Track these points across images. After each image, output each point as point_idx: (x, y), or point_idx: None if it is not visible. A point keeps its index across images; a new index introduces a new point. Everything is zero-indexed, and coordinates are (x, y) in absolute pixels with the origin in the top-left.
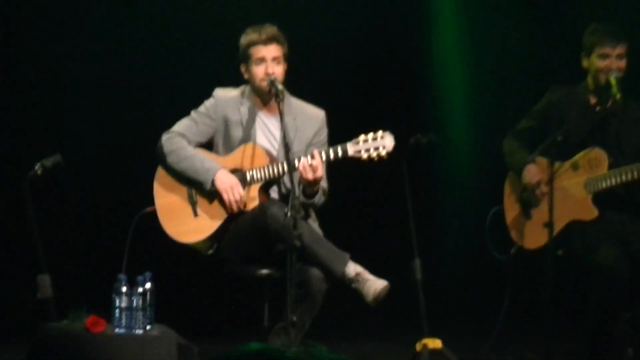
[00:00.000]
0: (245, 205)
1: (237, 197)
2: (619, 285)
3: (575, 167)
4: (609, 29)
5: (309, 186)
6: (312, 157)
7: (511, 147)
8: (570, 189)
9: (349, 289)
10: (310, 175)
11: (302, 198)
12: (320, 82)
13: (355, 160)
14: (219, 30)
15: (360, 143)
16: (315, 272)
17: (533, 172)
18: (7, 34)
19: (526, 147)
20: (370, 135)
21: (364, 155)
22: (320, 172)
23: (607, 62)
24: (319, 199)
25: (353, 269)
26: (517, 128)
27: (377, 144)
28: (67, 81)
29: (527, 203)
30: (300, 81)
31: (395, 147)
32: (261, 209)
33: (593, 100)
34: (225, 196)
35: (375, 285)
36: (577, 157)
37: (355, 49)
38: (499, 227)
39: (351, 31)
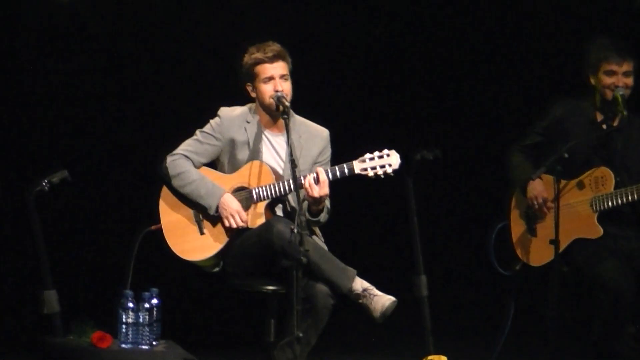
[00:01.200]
0: (251, 222)
1: (240, 224)
2: (622, 300)
3: (581, 185)
4: (616, 45)
5: (315, 204)
6: (317, 175)
7: (516, 162)
8: (575, 207)
9: (355, 305)
10: (316, 193)
11: (307, 216)
12: (324, 100)
13: (362, 178)
14: (223, 48)
15: (367, 161)
16: (322, 288)
17: (538, 189)
18: (11, 49)
19: (531, 162)
20: (377, 153)
21: (371, 173)
22: (326, 189)
23: (613, 79)
24: (324, 218)
25: (360, 284)
26: (522, 143)
27: (384, 161)
28: (74, 97)
29: (532, 219)
30: (305, 99)
31: (401, 164)
32: (267, 225)
33: (599, 117)
34: (226, 223)
35: (382, 300)
36: (583, 175)
37: (359, 66)
38: (503, 243)
39: (355, 48)
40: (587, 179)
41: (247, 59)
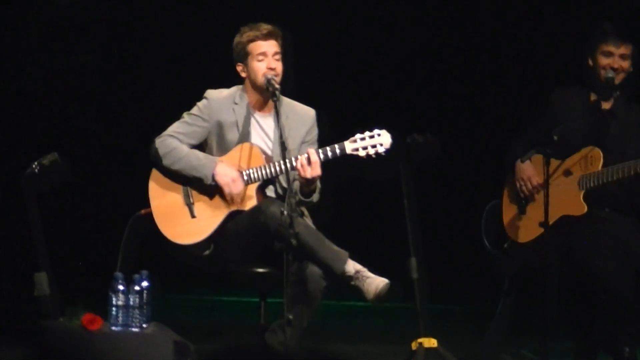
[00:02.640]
0: (243, 205)
1: (238, 190)
2: (622, 300)
3: (571, 165)
4: (616, 27)
5: (307, 185)
6: (309, 155)
7: (514, 145)
8: (563, 185)
9: (348, 287)
10: (308, 174)
11: (299, 197)
12: (317, 81)
13: (353, 158)
14: (212, 34)
15: (358, 141)
16: (314, 270)
17: (526, 171)
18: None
19: (529, 146)
20: (367, 133)
21: (362, 153)
22: (318, 170)
23: (609, 60)
24: (317, 198)
25: (352, 266)
26: (526, 129)
27: (375, 141)
28: (65, 83)
29: (523, 199)
30: (296, 81)
31: (392, 146)
32: (259, 208)
33: (593, 97)
34: (226, 190)
35: (375, 282)
36: (574, 155)
37: (351, 48)
38: (495, 221)
39: (346, 29)
40: (577, 158)
41: (240, 37)
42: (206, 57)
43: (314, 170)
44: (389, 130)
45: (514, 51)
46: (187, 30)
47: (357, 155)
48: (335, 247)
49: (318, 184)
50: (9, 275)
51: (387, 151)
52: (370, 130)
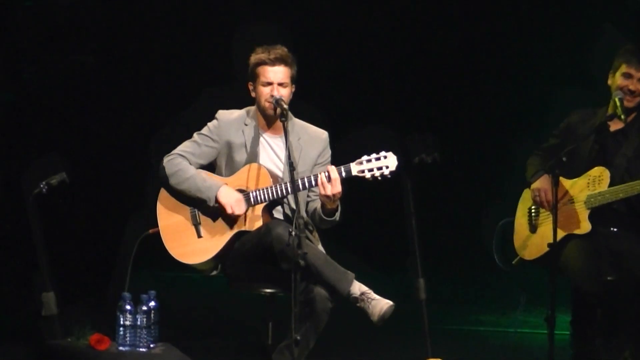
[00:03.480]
0: (250, 225)
1: (240, 212)
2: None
3: (580, 184)
4: None
5: (328, 203)
6: (329, 172)
7: (529, 162)
8: (571, 205)
9: (354, 308)
10: (328, 191)
11: (322, 216)
12: (325, 102)
13: (359, 180)
14: (212, 34)
15: (364, 163)
16: (320, 291)
17: (544, 183)
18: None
19: (544, 163)
20: (374, 155)
21: (368, 175)
22: (339, 187)
23: (627, 81)
24: (339, 217)
25: (358, 288)
26: (542, 146)
27: (381, 163)
28: (74, 100)
29: (534, 216)
30: (305, 101)
31: (400, 166)
32: (266, 228)
33: (604, 118)
34: (229, 211)
35: (380, 304)
36: (583, 175)
37: (359, 69)
38: (506, 238)
39: (356, 51)
40: (586, 178)
41: (252, 58)
42: (206, 57)
43: (334, 188)
44: (395, 151)
45: (519, 54)
46: (187, 30)
47: (363, 177)
48: (342, 269)
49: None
50: (15, 294)
51: (392, 173)
52: (377, 152)
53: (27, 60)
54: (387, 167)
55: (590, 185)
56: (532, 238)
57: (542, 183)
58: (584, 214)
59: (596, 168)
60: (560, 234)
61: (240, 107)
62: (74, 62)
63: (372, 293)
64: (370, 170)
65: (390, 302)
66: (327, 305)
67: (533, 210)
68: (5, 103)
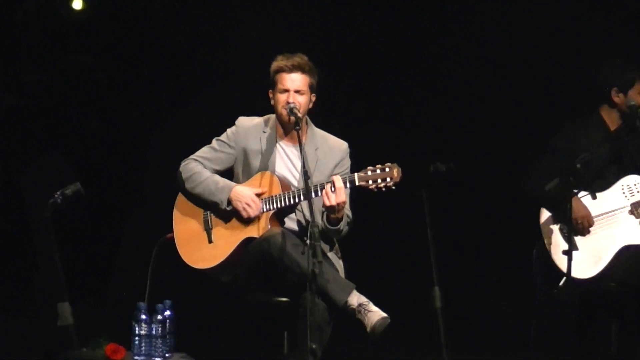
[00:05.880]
0: (257, 232)
1: (256, 212)
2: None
3: (613, 194)
4: None
5: (332, 212)
6: (333, 182)
7: (533, 176)
8: (614, 215)
9: (353, 319)
10: (333, 201)
11: (326, 225)
12: (340, 111)
13: (365, 190)
14: (212, 34)
15: (369, 173)
16: (320, 302)
17: (583, 210)
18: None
19: (547, 179)
20: (378, 166)
21: (372, 186)
22: (343, 196)
23: None
24: (344, 226)
25: (356, 299)
26: (539, 165)
27: (385, 175)
28: (74, 100)
29: (571, 235)
30: (321, 110)
31: (415, 175)
32: (263, 237)
33: (612, 126)
34: (244, 214)
35: (374, 317)
36: (614, 185)
37: (375, 77)
38: (541, 262)
39: (371, 60)
40: (620, 187)
41: (273, 65)
42: (206, 57)
43: (339, 197)
44: (410, 160)
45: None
46: (187, 30)
47: (367, 188)
48: (342, 279)
49: (349, 214)
50: (30, 303)
51: (397, 185)
52: (382, 164)
53: (27, 61)
54: (390, 178)
55: (627, 194)
56: (578, 256)
57: (581, 211)
58: (635, 223)
59: (631, 176)
60: (616, 245)
61: (239, 107)
62: (74, 62)
63: (370, 304)
64: (375, 181)
65: (385, 315)
66: (325, 315)
67: (570, 230)
68: (6, 103)
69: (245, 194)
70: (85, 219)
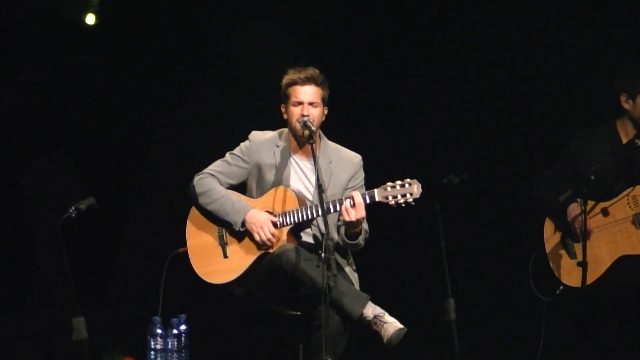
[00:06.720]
0: (273, 248)
1: (269, 236)
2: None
3: (619, 204)
4: None
5: (351, 227)
6: (353, 198)
7: (546, 192)
8: (617, 225)
9: (369, 331)
10: (352, 217)
11: (345, 240)
12: (353, 125)
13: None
14: (212, 34)
15: (389, 189)
16: (334, 315)
17: (576, 210)
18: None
19: (556, 189)
20: (398, 182)
21: (392, 202)
22: (362, 212)
23: None
24: (362, 241)
25: (371, 311)
26: (549, 173)
27: (405, 190)
28: (89, 109)
29: (570, 242)
30: (334, 124)
31: (429, 187)
32: (277, 255)
33: (624, 139)
34: (257, 237)
35: (390, 327)
36: (620, 195)
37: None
38: (539, 270)
39: (386, 74)
40: (625, 198)
41: (284, 79)
42: (206, 57)
43: (358, 213)
44: (424, 172)
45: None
46: (187, 30)
47: (387, 204)
48: (356, 291)
49: (365, 226)
50: (45, 319)
51: (416, 201)
52: (402, 179)
53: (27, 60)
54: (410, 194)
55: (632, 205)
56: (575, 264)
57: (574, 214)
58: (636, 234)
59: (635, 187)
60: (614, 254)
61: (239, 107)
62: (74, 62)
63: (386, 315)
64: (395, 197)
65: (400, 326)
66: (340, 328)
67: (567, 236)
68: (5, 103)
69: (260, 216)
70: (88, 225)
